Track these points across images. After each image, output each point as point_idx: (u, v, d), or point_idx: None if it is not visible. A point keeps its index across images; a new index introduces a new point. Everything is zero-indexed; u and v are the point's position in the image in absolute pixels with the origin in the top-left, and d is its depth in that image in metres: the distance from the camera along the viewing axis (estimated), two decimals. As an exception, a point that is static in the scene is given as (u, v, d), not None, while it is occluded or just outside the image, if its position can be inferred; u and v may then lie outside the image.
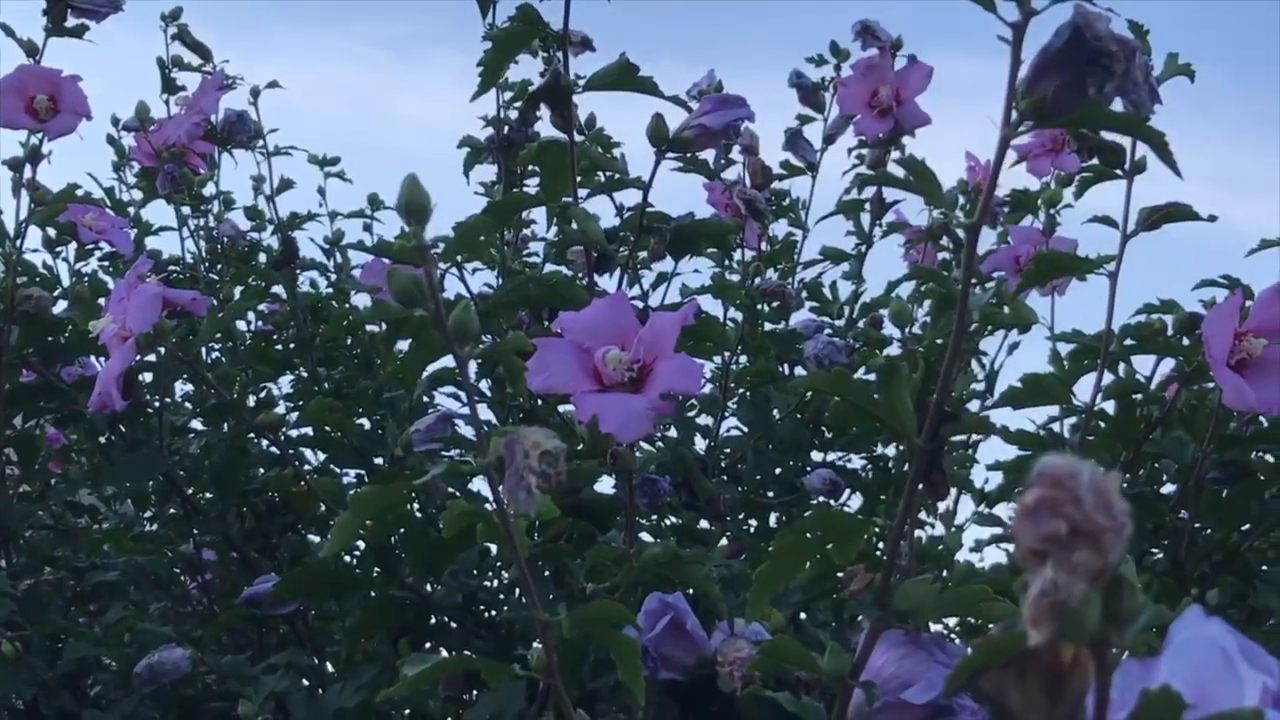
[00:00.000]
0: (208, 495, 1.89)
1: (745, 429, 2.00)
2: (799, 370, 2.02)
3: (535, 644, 0.98)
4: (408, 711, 1.70)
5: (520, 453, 0.85)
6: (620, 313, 1.15)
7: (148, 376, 1.74)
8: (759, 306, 1.96)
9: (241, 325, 2.14)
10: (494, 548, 1.61)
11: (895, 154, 2.05)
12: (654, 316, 1.15)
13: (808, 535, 0.87)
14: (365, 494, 0.89)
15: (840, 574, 1.08)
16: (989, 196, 0.75)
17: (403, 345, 1.74)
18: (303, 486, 1.64)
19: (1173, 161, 0.76)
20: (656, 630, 1.17)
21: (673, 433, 1.77)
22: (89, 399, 1.49)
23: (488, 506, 0.99)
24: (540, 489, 0.85)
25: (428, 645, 1.63)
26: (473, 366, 1.79)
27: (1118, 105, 0.74)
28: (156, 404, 1.77)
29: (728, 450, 1.98)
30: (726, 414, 2.02)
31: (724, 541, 1.70)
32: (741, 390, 2.00)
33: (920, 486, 0.83)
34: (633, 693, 0.95)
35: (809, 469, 1.89)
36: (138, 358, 1.47)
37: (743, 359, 1.99)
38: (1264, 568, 1.59)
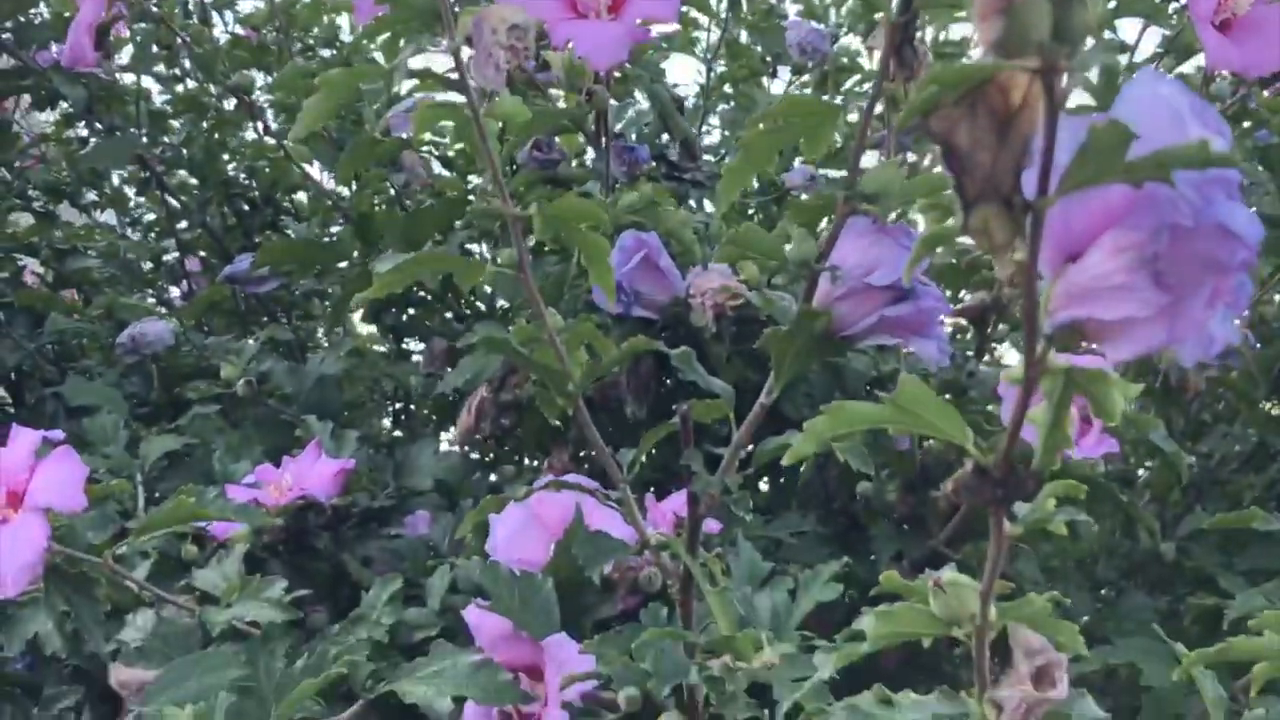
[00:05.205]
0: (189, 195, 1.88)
1: (728, 132, 1.99)
2: (782, 70, 2.01)
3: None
4: (393, 388, 1.73)
5: (487, 30, 0.84)
6: (596, -61, 1.13)
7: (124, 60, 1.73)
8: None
9: (218, 32, 2.10)
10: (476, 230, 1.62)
11: None
12: (631, -58, 1.12)
13: (777, 123, 0.86)
14: (334, 75, 0.88)
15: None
16: None
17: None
18: (280, 153, 1.62)
19: None
20: (630, 265, 1.17)
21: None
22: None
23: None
24: (508, 65, 0.85)
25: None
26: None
27: None
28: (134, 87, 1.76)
29: (710, 156, 1.97)
30: (710, 123, 2.02)
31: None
32: (727, 91, 2.00)
33: (892, 65, 0.82)
34: (603, 293, 0.96)
35: (789, 168, 1.89)
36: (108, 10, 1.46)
37: (723, 67, 1.97)
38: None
